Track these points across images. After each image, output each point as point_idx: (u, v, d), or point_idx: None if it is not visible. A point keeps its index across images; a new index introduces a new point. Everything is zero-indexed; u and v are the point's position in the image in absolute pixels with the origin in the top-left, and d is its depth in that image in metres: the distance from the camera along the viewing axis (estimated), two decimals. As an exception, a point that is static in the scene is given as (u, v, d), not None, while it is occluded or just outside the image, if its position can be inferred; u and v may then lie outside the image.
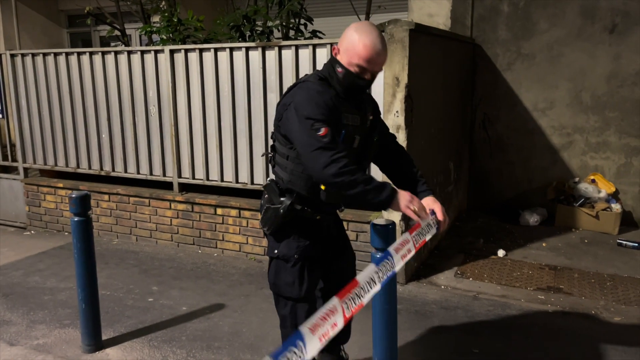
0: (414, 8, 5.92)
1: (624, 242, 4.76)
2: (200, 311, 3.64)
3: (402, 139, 3.80)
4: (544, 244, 4.87)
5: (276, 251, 2.41)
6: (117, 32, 6.11)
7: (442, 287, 3.98)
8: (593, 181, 5.32)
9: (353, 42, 2.14)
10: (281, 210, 2.32)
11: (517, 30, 5.54)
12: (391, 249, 1.98)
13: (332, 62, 2.24)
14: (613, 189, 5.29)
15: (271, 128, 4.38)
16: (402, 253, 1.99)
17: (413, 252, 2.07)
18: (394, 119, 3.80)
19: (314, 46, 4.16)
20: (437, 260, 4.49)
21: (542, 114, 5.60)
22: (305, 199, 2.33)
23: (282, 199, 2.33)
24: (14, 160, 5.91)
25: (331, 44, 4.08)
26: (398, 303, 3.69)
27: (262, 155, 4.42)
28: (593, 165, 5.48)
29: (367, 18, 5.26)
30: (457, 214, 5.70)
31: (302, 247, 2.39)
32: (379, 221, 2.29)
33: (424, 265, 4.38)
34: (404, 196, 2.18)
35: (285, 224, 2.36)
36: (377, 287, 1.77)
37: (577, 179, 5.48)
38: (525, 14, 5.49)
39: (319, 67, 4.13)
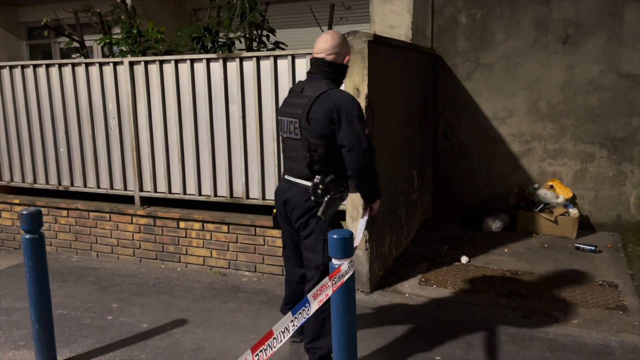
0: (375, 20, 6.00)
1: (582, 246, 4.89)
2: (161, 328, 3.56)
3: (363, 148, 3.82)
4: (506, 250, 4.96)
5: (327, 234, 2.66)
6: (75, 44, 5.98)
7: (407, 295, 4.00)
8: (551, 187, 5.46)
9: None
10: (345, 197, 2.81)
11: (476, 41, 5.68)
12: (310, 295, 2.03)
13: (341, 67, 2.85)
14: (570, 194, 5.44)
15: (235, 139, 4.40)
16: (320, 298, 2.06)
17: (330, 293, 2.15)
18: (355, 129, 3.82)
19: (275, 57, 4.16)
20: (402, 268, 4.52)
21: (502, 122, 5.74)
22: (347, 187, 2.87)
23: (342, 188, 2.79)
24: (-32, 176, 5.69)
25: (292, 55, 4.09)
26: (363, 312, 3.70)
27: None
28: (551, 171, 5.63)
29: (330, 29, 5.29)
30: (423, 222, 5.76)
31: (340, 226, 2.94)
32: (336, 232, 2.29)
33: (389, 274, 4.40)
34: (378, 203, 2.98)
35: (336, 210, 2.83)
36: (288, 335, 1.91)
37: (536, 185, 5.61)
38: (482, 25, 5.63)
39: (281, 78, 4.15)
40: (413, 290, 4.08)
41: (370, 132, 3.86)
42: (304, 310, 1.89)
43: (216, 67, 4.38)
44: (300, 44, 5.49)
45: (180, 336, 3.44)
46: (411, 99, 5.03)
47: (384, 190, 4.30)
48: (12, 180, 5.47)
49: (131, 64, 4.66)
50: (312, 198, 2.77)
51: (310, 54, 3.87)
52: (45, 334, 3.02)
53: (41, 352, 3.01)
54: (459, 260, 4.68)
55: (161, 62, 4.56)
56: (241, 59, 4.27)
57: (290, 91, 2.97)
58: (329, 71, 2.78)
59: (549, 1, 5.37)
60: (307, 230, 2.86)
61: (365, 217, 3.01)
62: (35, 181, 5.36)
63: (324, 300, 2.03)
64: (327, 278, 2.12)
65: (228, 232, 4.50)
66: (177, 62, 4.51)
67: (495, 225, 5.54)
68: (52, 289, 4.27)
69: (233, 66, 4.32)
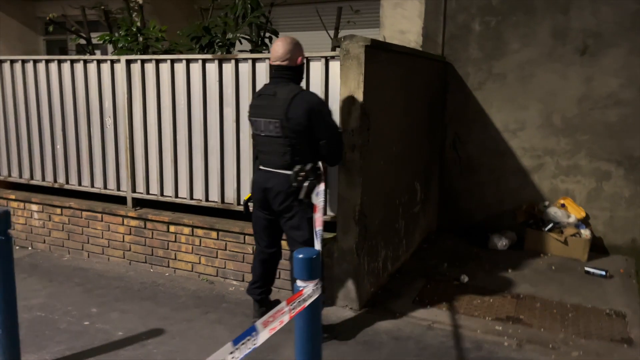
0: (385, 24, 5.81)
1: (592, 270, 4.61)
2: (136, 337, 3.42)
3: (356, 158, 3.64)
4: (510, 270, 4.71)
5: (310, 213, 3.25)
6: (82, 41, 5.93)
7: (397, 314, 3.79)
8: (563, 205, 5.18)
9: (301, 48, 3.30)
10: (321, 180, 3.26)
11: (489, 49, 5.43)
12: (259, 323, 1.82)
13: (302, 70, 3.31)
14: (583, 214, 5.15)
15: (228, 143, 4.25)
16: (272, 326, 1.84)
17: (287, 320, 1.93)
18: (349, 137, 3.63)
19: (271, 60, 4.00)
20: (397, 285, 4.31)
21: (513, 135, 5.47)
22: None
23: (316, 174, 3.23)
24: (-33, 169, 5.68)
25: (307, 58, 3.89)
26: (349, 332, 3.50)
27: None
28: (564, 188, 5.34)
29: (337, 33, 5.12)
30: (425, 235, 5.53)
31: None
32: (302, 252, 2.10)
33: (382, 290, 4.19)
34: None
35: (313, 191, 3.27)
36: None
37: (547, 203, 5.33)
38: (496, 33, 5.38)
39: None
40: (405, 309, 3.86)
41: (366, 140, 3.68)
42: (249, 339, 1.70)
43: (212, 68, 4.24)
44: (309, 47, 5.31)
45: (154, 347, 3.30)
46: (415, 107, 4.82)
47: (380, 203, 4.11)
48: (9, 175, 5.43)
49: (128, 62, 4.56)
50: (294, 184, 3.18)
51: (318, 57, 3.84)
52: (10, 339, 2.90)
53: (4, 359, 2.89)
54: (459, 279, 4.44)
55: (157, 62, 4.45)
56: (237, 61, 4.13)
57: (260, 94, 3.33)
58: (288, 74, 3.24)
59: (568, 10, 5.10)
60: (291, 212, 3.28)
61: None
62: (32, 177, 5.30)
63: (277, 329, 1.84)
64: (284, 302, 1.94)
65: (217, 239, 4.35)
66: (173, 61, 4.39)
67: (501, 242, 5.28)
68: (37, 288, 4.23)
69: (228, 68, 4.17)
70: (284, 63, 3.21)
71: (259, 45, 4.84)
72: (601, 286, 4.37)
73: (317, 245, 3.06)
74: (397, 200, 4.51)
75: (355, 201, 3.70)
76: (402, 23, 5.73)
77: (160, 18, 7.54)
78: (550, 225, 5.12)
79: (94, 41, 5.22)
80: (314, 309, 2.09)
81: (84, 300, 4.01)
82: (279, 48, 3.22)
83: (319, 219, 3.17)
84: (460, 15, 5.51)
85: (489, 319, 3.73)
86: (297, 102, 3.12)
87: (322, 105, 3.24)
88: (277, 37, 5.01)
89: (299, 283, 2.09)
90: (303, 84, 3.86)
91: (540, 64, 5.25)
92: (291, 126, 3.13)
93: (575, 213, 5.12)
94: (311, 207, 3.27)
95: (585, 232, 5.06)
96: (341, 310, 3.82)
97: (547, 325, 3.65)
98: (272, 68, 3.32)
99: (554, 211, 5.13)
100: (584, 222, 5.17)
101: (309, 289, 2.04)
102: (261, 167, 3.36)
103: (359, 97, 3.58)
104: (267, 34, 4.95)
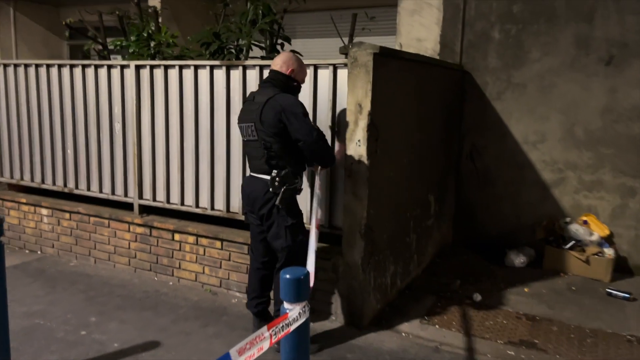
0: (402, 32, 5.66)
1: (614, 292, 4.36)
2: (131, 349, 3.33)
3: (363, 169, 3.50)
4: (526, 289, 4.49)
5: (289, 221, 3.24)
6: (98, 46, 5.93)
7: (404, 334, 3.62)
8: (585, 222, 4.93)
9: (302, 67, 3.37)
10: (299, 188, 3.26)
11: (508, 58, 5.24)
12: (234, 350, 1.67)
13: (289, 78, 3.31)
14: (607, 232, 4.90)
15: (234, 151, 4.16)
16: (249, 354, 1.69)
17: (267, 347, 1.78)
18: (356, 148, 3.50)
19: (279, 67, 3.89)
20: (405, 302, 4.13)
21: (532, 147, 5.26)
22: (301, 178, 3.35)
23: (296, 180, 3.21)
24: (-18, 172, 5.72)
25: (315, 66, 3.78)
26: (351, 352, 3.35)
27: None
28: (586, 205, 5.09)
29: (351, 40, 4.99)
30: (439, 250, 5.34)
31: (301, 214, 3.37)
32: (289, 272, 1.97)
33: (389, 307, 4.03)
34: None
35: (294, 198, 3.26)
36: None
37: (568, 219, 5.09)
38: (516, 41, 5.19)
39: None
40: (412, 329, 3.69)
41: (373, 151, 3.54)
42: (221, 368, 1.58)
43: (219, 74, 4.17)
44: (325, 54, 5.22)
45: (148, 361, 3.21)
46: (430, 117, 4.65)
47: (390, 216, 3.96)
48: (22, 179, 5.45)
49: (137, 67, 4.52)
50: (270, 189, 3.17)
51: (325, 65, 3.74)
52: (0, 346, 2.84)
53: (-7, 368, 2.84)
54: (471, 298, 4.25)
55: (166, 67, 4.40)
56: (244, 67, 4.04)
57: (245, 100, 3.46)
58: (276, 78, 3.29)
59: (592, 18, 4.88)
60: (270, 220, 3.27)
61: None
62: (43, 181, 5.30)
63: (255, 357, 1.70)
64: (265, 327, 1.81)
65: (221, 249, 4.25)
66: (181, 67, 4.33)
67: (519, 259, 5.06)
68: (40, 295, 4.19)
69: (236, 74, 4.09)
70: (275, 67, 3.31)
71: (271, 52, 4.75)
72: (623, 309, 4.12)
73: (311, 261, 2.94)
74: (409, 213, 4.35)
75: (362, 214, 3.56)
76: (419, 31, 5.58)
77: (179, 24, 7.55)
78: (571, 243, 4.88)
79: (110, 47, 5.19)
80: (302, 334, 1.95)
81: (85, 308, 3.95)
82: (278, 57, 3.35)
83: (314, 233, 3.15)
84: (479, 23, 5.34)
85: (501, 343, 3.53)
86: (269, 105, 3.13)
87: (294, 106, 3.14)
88: (290, 43, 4.93)
89: (285, 305, 1.96)
90: (307, 93, 3.77)
91: (561, 73, 5.03)
92: (265, 129, 3.14)
93: (598, 231, 4.87)
94: (291, 215, 3.25)
95: (609, 252, 4.80)
96: (344, 328, 3.67)
97: (563, 351, 3.44)
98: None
99: (576, 228, 4.89)
100: (608, 240, 4.91)
101: (294, 312, 1.90)
102: (250, 173, 3.43)
103: (367, 106, 3.44)
104: (279, 41, 4.85)
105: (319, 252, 3.78)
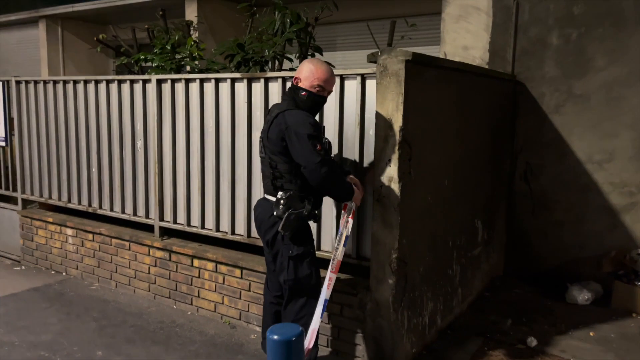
0: (446, 40, 5.18)
1: (701, 341, 3.64)
2: (130, 392, 3.00)
3: (394, 193, 3.04)
4: (591, 333, 3.84)
5: (293, 251, 2.89)
6: (130, 61, 5.80)
7: (442, 386, 3.10)
8: (662, 255, 4.23)
9: (311, 70, 2.91)
10: (305, 213, 2.85)
11: (568, 66, 4.64)
12: None
13: (295, 89, 2.92)
14: (689, 267, 4.17)
15: (256, 171, 3.81)
16: None
17: None
18: (386, 169, 3.05)
19: (303, 78, 3.52)
20: (446, 345, 3.60)
21: (598, 167, 4.60)
22: (315, 202, 2.94)
23: (302, 205, 2.85)
24: (15, 190, 5.67)
25: (341, 76, 3.39)
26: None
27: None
28: (663, 234, 4.38)
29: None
30: (488, 282, 4.75)
31: (311, 244, 2.98)
32: (277, 331, 1.55)
33: (427, 351, 3.51)
34: (357, 194, 3.00)
35: (301, 225, 2.89)
36: None
37: (641, 250, 4.39)
38: (578, 47, 4.58)
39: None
40: (452, 379, 3.17)
41: (406, 172, 3.08)
42: None
43: (240, 88, 3.85)
44: (360, 65, 4.83)
45: (147, 407, 2.86)
46: (474, 133, 4.13)
47: (426, 245, 3.47)
48: (50, 197, 5.33)
49: (159, 81, 4.29)
50: (275, 213, 2.86)
51: (353, 75, 3.35)
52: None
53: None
54: (524, 342, 3.66)
55: (187, 81, 4.13)
56: (266, 80, 3.70)
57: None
58: (289, 90, 3.01)
59: (669, 19, 4.23)
60: (275, 249, 2.96)
61: (349, 221, 2.97)
62: (69, 200, 5.16)
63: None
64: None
65: (241, 278, 3.89)
66: (202, 81, 4.05)
67: (583, 296, 4.40)
68: (52, 322, 3.96)
69: (258, 87, 3.76)
70: (293, 80, 3.02)
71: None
72: None
73: (317, 316, 2.55)
74: (451, 242, 3.83)
75: (392, 245, 3.09)
76: (466, 38, 5.07)
77: (215, 37, 7.39)
78: (645, 279, 4.19)
79: (131, 61, 5.02)
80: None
81: (93, 340, 3.67)
82: (301, 65, 3.01)
83: (327, 279, 2.81)
84: (534, 27, 4.78)
85: (559, 402, 2.95)
86: (277, 121, 2.85)
87: (300, 125, 2.77)
88: (322, 54, 4.57)
89: None
90: (333, 106, 3.37)
91: (631, 84, 4.38)
92: (270, 147, 2.89)
93: (678, 265, 4.16)
94: (297, 243, 2.91)
95: (692, 290, 4.08)
96: (373, 375, 3.20)
97: (638, 417, 2.81)
98: None
99: (650, 262, 4.20)
100: (691, 276, 4.18)
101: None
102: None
103: (398, 121, 3.00)
104: (310, 52, 4.50)
105: (344, 285, 3.35)
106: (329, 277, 2.87)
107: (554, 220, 4.82)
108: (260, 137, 3.03)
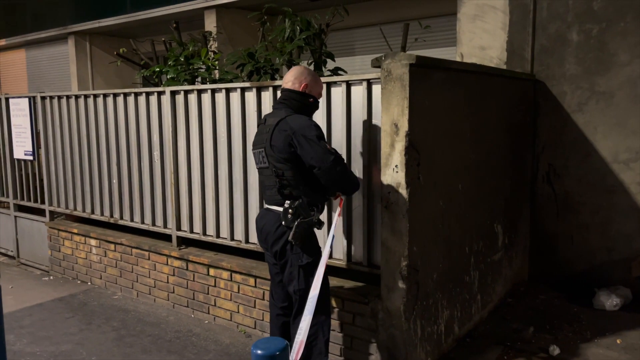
0: (463, 40, 5.07)
1: None
2: (142, 402, 3.03)
3: (402, 199, 2.98)
4: (618, 341, 3.67)
5: (303, 260, 2.86)
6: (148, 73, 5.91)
7: (456, 397, 3.01)
8: (696, 257, 4.01)
9: (315, 78, 3.00)
10: (315, 221, 2.82)
11: (590, 63, 4.47)
12: None
13: (304, 95, 2.94)
14: None
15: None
16: None
17: None
18: (393, 174, 3.00)
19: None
20: (463, 354, 3.50)
21: (625, 167, 4.41)
22: (321, 209, 2.94)
23: (312, 212, 2.82)
24: (42, 202, 5.84)
25: (347, 82, 3.36)
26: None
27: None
28: (697, 235, 4.16)
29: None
30: (511, 287, 4.60)
31: (319, 252, 2.93)
32: (262, 346, 1.53)
33: (443, 360, 3.42)
34: None
35: (310, 234, 2.86)
36: None
37: (673, 253, 4.18)
38: (599, 43, 4.42)
39: (334, 108, 3.47)
40: (467, 390, 3.07)
41: (415, 177, 3.02)
42: None
43: (250, 97, 3.86)
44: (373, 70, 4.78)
45: (158, 418, 2.87)
46: (490, 135, 4.02)
47: (440, 252, 3.39)
48: (75, 209, 5.47)
49: (173, 93, 4.35)
50: (283, 223, 2.83)
51: (359, 80, 3.33)
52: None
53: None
54: (547, 351, 3.52)
55: (199, 92, 4.17)
56: (274, 88, 3.69)
57: (258, 125, 3.12)
58: (288, 97, 2.94)
59: (696, 9, 4.03)
60: (284, 259, 2.92)
61: (338, 213, 3.02)
62: (92, 211, 5.27)
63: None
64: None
65: (255, 287, 3.89)
66: (213, 91, 4.08)
67: (611, 301, 4.21)
68: (73, 332, 4.05)
69: (267, 96, 3.76)
70: (287, 85, 2.98)
71: (315, 69, 4.38)
72: None
73: (305, 324, 2.44)
74: (467, 248, 3.73)
75: (402, 252, 3.03)
76: (483, 37, 4.96)
77: (234, 46, 7.44)
78: (677, 283, 3.98)
79: (146, 74, 5.11)
80: None
81: (111, 349, 3.73)
82: (289, 73, 3.01)
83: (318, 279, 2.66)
84: (553, 24, 4.63)
85: (580, 415, 2.82)
86: (280, 128, 2.81)
87: (306, 128, 2.77)
88: (334, 60, 4.55)
89: None
90: (340, 113, 3.34)
91: (659, 78, 4.19)
92: (275, 155, 2.83)
93: None
94: (307, 252, 2.86)
95: None
96: (386, 386, 3.13)
97: None
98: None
99: (683, 265, 3.99)
100: None
101: None
102: (264, 205, 3.12)
103: (404, 126, 2.94)
104: (322, 58, 4.48)
105: (355, 294, 3.31)
106: (319, 276, 2.70)
107: (579, 222, 4.64)
108: (259, 149, 2.97)
